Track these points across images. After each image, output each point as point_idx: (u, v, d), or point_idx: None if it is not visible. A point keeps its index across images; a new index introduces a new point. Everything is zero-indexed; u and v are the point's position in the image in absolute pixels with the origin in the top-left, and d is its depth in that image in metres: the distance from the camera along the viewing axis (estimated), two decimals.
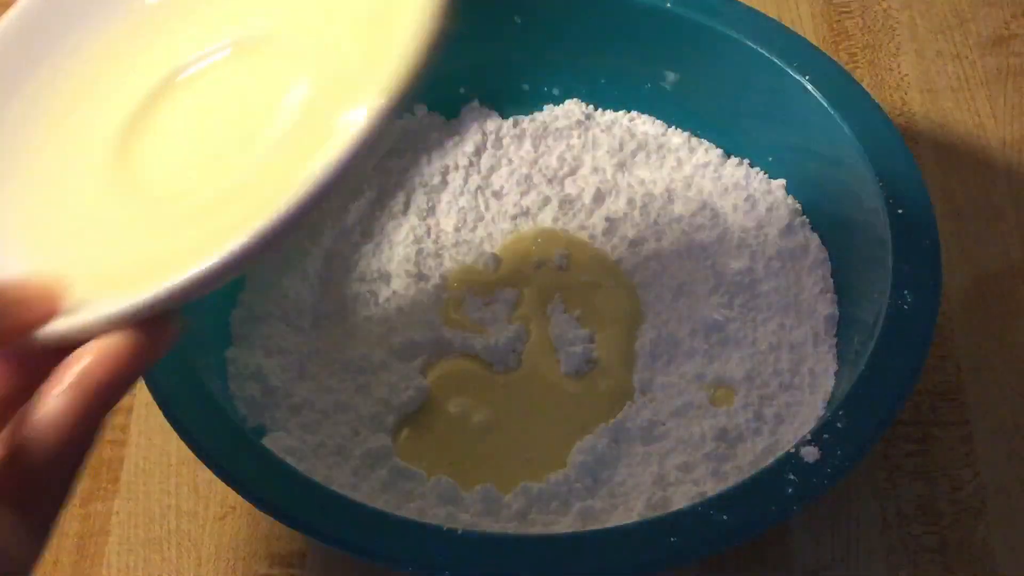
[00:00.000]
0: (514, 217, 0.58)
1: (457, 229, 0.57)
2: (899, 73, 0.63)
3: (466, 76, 0.59)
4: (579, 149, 0.60)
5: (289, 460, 0.47)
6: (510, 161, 0.59)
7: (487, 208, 0.58)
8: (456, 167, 0.59)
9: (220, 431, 0.44)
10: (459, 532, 0.42)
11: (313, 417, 0.51)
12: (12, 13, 0.38)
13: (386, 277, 0.56)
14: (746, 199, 0.57)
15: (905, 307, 0.47)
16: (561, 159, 0.59)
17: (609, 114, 0.61)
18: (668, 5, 0.57)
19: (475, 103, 0.61)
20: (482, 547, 0.42)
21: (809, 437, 0.44)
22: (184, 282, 0.30)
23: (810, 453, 0.43)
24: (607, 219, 0.57)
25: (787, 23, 0.63)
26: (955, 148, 0.60)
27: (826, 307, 0.53)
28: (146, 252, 0.34)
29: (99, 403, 0.31)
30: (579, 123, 0.60)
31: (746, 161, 0.58)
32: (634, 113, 0.60)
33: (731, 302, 0.54)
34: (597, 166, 0.59)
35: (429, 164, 0.59)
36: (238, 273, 0.31)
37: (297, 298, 0.54)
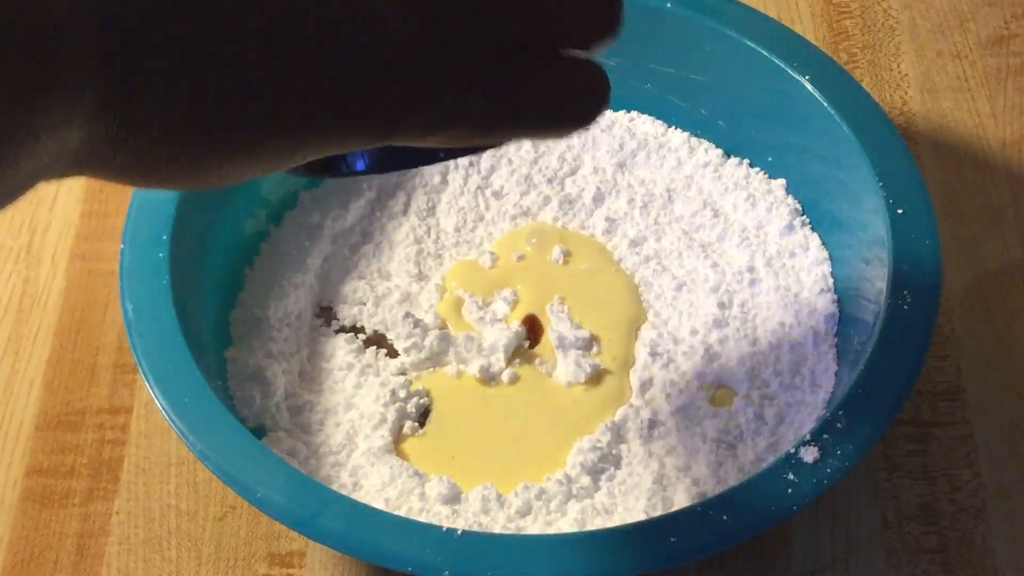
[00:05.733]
0: (514, 217, 0.58)
1: (457, 229, 0.57)
2: (899, 73, 0.63)
3: None
4: (579, 149, 0.60)
5: (289, 460, 0.47)
6: (510, 161, 0.59)
7: (487, 208, 0.58)
8: (456, 167, 0.59)
9: (220, 431, 0.44)
10: (459, 532, 0.42)
11: (313, 417, 0.51)
12: None
13: (386, 277, 0.56)
14: (746, 199, 0.57)
15: (905, 307, 0.47)
16: (561, 159, 0.59)
17: (609, 114, 0.60)
18: (668, 5, 0.57)
19: None
20: (482, 547, 0.42)
21: (809, 437, 0.44)
22: None
23: (810, 453, 0.44)
24: (607, 219, 0.57)
25: (787, 23, 0.63)
26: (955, 148, 0.60)
27: (826, 307, 0.53)
28: None
29: None
30: None
31: (746, 161, 0.58)
32: (634, 113, 0.60)
33: (731, 301, 0.54)
34: (597, 166, 0.59)
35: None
36: None
37: (297, 298, 0.54)
